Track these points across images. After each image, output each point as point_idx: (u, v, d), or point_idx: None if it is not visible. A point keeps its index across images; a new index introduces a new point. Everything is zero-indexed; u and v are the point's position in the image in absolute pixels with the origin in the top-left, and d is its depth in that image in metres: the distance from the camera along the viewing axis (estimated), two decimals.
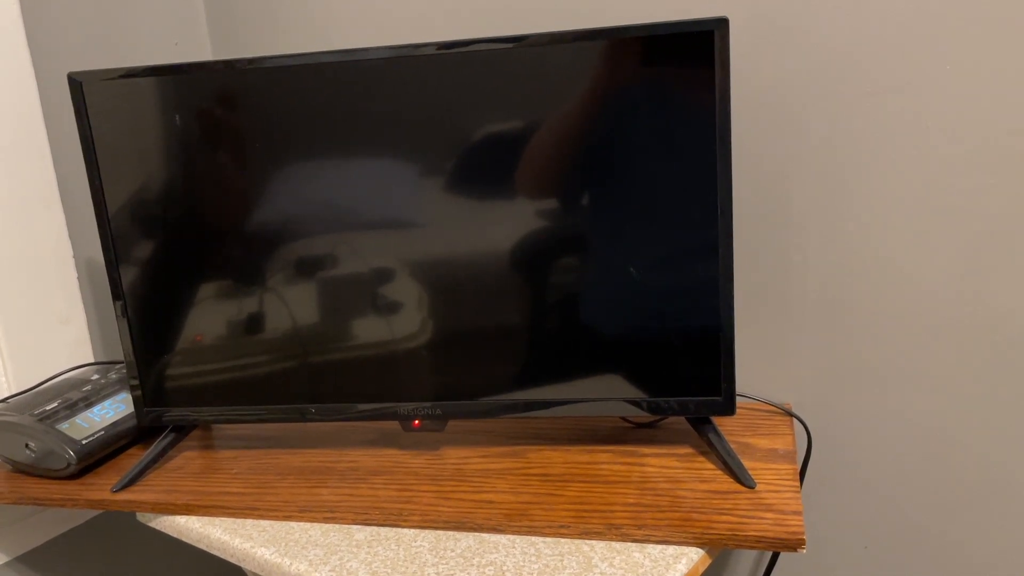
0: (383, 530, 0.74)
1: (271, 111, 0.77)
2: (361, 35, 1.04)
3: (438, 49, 0.72)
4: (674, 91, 0.70)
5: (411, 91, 0.74)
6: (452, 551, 0.70)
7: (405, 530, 0.74)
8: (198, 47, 1.20)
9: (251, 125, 0.77)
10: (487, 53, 0.72)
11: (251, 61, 0.76)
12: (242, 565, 0.74)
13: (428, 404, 0.81)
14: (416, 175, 0.76)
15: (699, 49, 0.68)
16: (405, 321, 0.80)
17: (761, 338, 0.88)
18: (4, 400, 0.93)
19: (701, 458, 0.79)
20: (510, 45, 0.71)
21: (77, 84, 0.79)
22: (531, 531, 0.71)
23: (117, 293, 0.83)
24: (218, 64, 0.76)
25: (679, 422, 0.87)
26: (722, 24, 0.67)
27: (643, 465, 0.78)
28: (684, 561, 0.66)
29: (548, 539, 0.70)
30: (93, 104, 0.79)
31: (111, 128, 0.80)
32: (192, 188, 0.80)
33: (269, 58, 0.75)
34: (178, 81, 0.78)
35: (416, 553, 0.70)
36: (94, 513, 1.11)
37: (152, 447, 0.87)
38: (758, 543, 0.66)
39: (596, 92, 0.71)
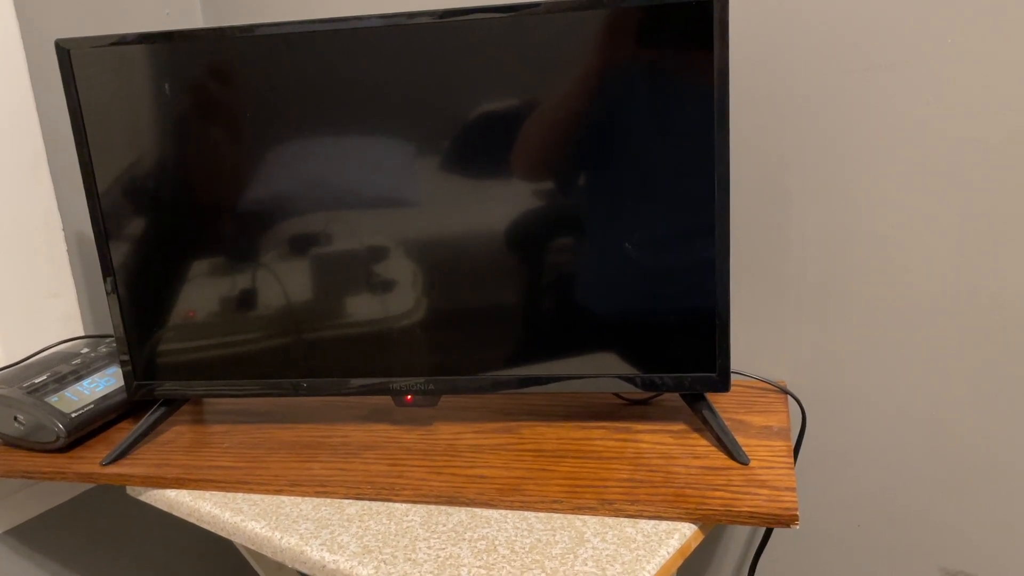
0: (374, 504, 0.74)
1: (263, 81, 0.75)
2: (355, 10, 1.03)
3: (433, 18, 0.71)
4: (672, 65, 0.69)
5: (406, 62, 0.72)
6: (444, 525, 0.69)
7: (396, 504, 0.73)
8: (190, 17, 1.18)
9: (243, 96, 0.76)
10: (483, 22, 0.70)
11: (243, 29, 0.74)
12: (232, 539, 0.74)
13: (421, 380, 0.80)
14: (410, 151, 0.75)
15: (697, 20, 0.67)
16: (399, 299, 0.79)
17: (757, 316, 0.87)
18: None
19: (695, 435, 0.79)
20: (507, 14, 0.70)
21: (65, 52, 0.77)
22: (524, 506, 0.70)
23: (107, 268, 0.82)
24: (210, 32, 0.75)
25: (673, 399, 0.87)
26: None
27: (637, 441, 0.78)
28: (677, 536, 0.66)
29: (541, 514, 0.70)
30: (81, 73, 0.78)
31: (100, 98, 0.79)
32: (183, 161, 0.79)
33: (261, 26, 0.74)
34: (169, 49, 0.76)
35: (408, 527, 0.69)
36: (85, 487, 1.11)
37: (142, 421, 0.86)
38: (751, 519, 0.66)
39: (593, 66, 0.70)
